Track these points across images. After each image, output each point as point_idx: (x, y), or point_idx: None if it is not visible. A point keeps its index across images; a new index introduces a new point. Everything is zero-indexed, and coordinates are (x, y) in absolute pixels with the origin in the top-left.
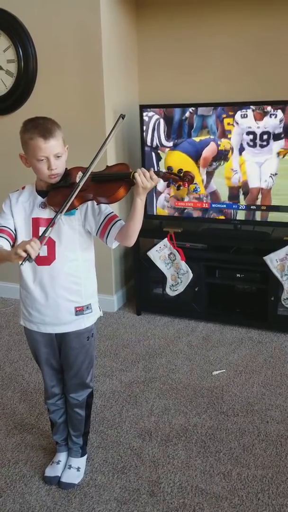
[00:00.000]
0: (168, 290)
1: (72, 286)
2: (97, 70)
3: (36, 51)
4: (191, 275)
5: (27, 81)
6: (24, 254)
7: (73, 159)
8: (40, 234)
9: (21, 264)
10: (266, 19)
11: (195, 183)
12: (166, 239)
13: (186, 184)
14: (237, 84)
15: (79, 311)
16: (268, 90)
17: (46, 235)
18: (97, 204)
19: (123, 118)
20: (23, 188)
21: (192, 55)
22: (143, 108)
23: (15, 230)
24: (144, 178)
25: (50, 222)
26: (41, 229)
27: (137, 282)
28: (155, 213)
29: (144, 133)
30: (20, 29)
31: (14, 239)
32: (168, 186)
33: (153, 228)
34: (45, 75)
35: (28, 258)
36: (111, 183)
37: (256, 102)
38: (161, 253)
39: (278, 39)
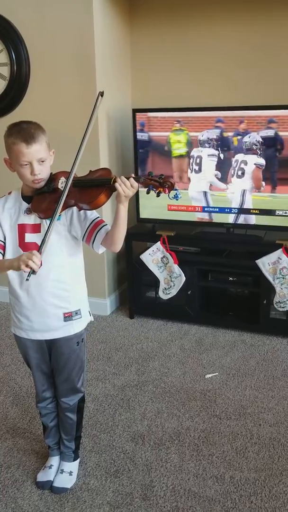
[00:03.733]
0: (161, 294)
1: (60, 292)
2: (90, 74)
3: (29, 55)
4: (184, 278)
5: (20, 84)
6: (27, 269)
7: (65, 163)
8: (26, 241)
9: (27, 280)
10: (261, 21)
11: (176, 189)
12: (159, 242)
13: (167, 190)
14: (232, 87)
15: (68, 316)
16: (265, 94)
17: (44, 245)
18: (79, 210)
19: (102, 96)
20: (10, 193)
21: (186, 59)
22: (136, 112)
23: (4, 238)
24: (125, 187)
25: (46, 233)
26: (27, 236)
27: (130, 285)
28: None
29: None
30: (13, 32)
31: (4, 247)
32: (148, 192)
33: (146, 232)
34: (38, 78)
35: (32, 272)
36: (92, 189)
37: (253, 107)
38: (154, 257)
39: (276, 41)
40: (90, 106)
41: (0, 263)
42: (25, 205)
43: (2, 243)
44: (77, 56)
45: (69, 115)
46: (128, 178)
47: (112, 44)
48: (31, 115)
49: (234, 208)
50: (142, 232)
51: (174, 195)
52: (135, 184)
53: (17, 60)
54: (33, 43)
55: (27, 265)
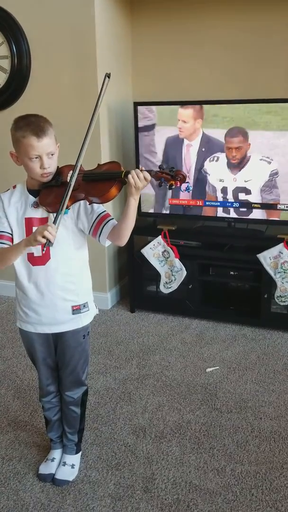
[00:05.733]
0: (162, 288)
1: (68, 285)
2: (91, 67)
3: (30, 48)
4: (184, 272)
5: (21, 77)
6: (43, 241)
7: (66, 157)
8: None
9: (43, 250)
10: (263, 13)
11: (187, 182)
12: (160, 236)
13: (178, 183)
14: (234, 80)
15: (76, 310)
16: (266, 87)
17: (65, 202)
18: (89, 204)
19: (108, 78)
20: (14, 187)
21: (187, 52)
22: (137, 105)
23: (11, 230)
24: (137, 179)
25: (57, 215)
26: (35, 229)
27: (131, 279)
28: (149, 211)
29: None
30: (13, 25)
31: (12, 240)
32: (159, 185)
33: (147, 226)
34: (38, 72)
35: (48, 243)
36: (102, 182)
37: (253, 100)
38: (155, 251)
39: (279, 33)
40: (90, 100)
41: (16, 247)
42: (31, 198)
43: (10, 236)
44: (78, 49)
45: (70, 108)
46: (140, 171)
47: (113, 37)
48: (32, 108)
49: (236, 202)
50: (143, 226)
51: (186, 188)
52: (148, 176)
53: (17, 53)
54: (34, 35)
55: (43, 236)
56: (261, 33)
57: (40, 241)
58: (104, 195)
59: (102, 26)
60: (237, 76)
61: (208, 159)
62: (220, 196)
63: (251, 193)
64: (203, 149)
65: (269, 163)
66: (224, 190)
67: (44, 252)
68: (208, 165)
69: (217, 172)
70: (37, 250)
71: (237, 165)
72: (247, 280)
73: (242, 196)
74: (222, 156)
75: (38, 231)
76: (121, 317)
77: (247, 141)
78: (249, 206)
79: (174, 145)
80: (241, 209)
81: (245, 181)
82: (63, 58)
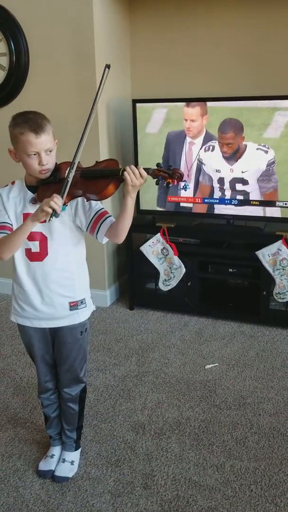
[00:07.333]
0: (161, 285)
1: (66, 281)
2: (89, 64)
3: (28, 45)
4: (183, 270)
5: (19, 75)
6: (50, 210)
7: (65, 154)
8: (31, 230)
9: (49, 220)
10: (263, 10)
11: (184, 180)
12: (159, 234)
13: (176, 182)
14: (233, 78)
15: (74, 306)
16: (266, 84)
17: (65, 192)
18: (86, 201)
19: (108, 68)
20: (13, 183)
21: (185, 49)
22: (136, 102)
23: (11, 224)
24: (133, 176)
25: (66, 176)
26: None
27: (130, 277)
28: (148, 208)
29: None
30: (12, 22)
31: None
32: (157, 183)
33: (146, 223)
34: (37, 69)
35: (54, 213)
36: (100, 179)
37: (253, 97)
38: (154, 248)
39: (277, 30)
40: (89, 97)
41: (21, 226)
42: (30, 194)
43: (11, 226)
44: (76, 46)
45: (68, 105)
46: (137, 169)
47: (111, 34)
48: (31, 105)
49: (234, 200)
50: (142, 223)
51: (183, 186)
52: (144, 174)
53: (16, 50)
54: (32, 33)
55: (50, 206)
56: (265, 30)
57: (47, 211)
58: (102, 192)
59: (100, 23)
60: (236, 73)
61: (203, 149)
62: (216, 187)
63: (248, 183)
64: (206, 148)
65: (266, 152)
66: (220, 181)
67: (50, 221)
68: (203, 155)
69: (213, 162)
70: (34, 246)
71: (232, 156)
72: (246, 277)
73: (239, 187)
74: (217, 146)
75: (45, 202)
76: (120, 315)
77: (241, 135)
78: (247, 203)
79: (176, 141)
80: (240, 206)
81: (242, 172)
82: (61, 55)
